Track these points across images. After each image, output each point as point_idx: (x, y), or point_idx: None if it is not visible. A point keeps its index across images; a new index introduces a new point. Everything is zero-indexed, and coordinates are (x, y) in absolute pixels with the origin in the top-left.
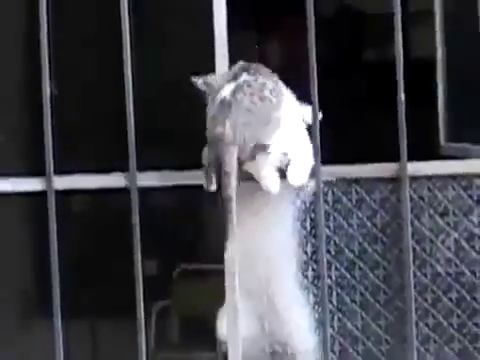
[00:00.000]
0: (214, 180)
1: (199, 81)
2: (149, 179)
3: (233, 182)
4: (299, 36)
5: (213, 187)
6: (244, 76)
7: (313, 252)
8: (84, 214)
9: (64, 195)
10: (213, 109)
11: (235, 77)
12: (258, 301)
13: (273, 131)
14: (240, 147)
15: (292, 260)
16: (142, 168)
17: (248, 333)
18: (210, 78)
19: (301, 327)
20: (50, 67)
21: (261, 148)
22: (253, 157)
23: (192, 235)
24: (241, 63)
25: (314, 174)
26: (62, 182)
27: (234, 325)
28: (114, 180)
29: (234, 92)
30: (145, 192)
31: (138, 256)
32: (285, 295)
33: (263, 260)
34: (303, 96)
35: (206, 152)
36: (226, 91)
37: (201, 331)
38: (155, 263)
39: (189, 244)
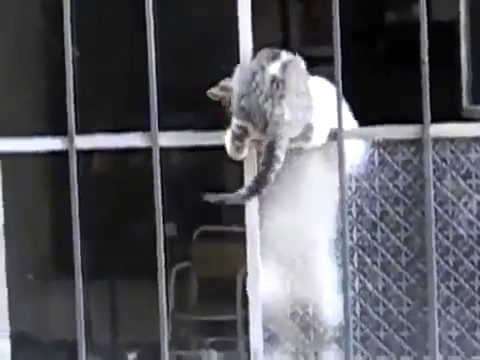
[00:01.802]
0: (245, 151)
1: (215, 91)
2: (170, 139)
3: (279, 167)
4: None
5: (242, 156)
6: (285, 55)
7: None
8: (105, 174)
9: (86, 154)
10: (262, 87)
11: (274, 57)
12: (289, 266)
13: (313, 110)
14: (293, 128)
15: (329, 228)
16: (163, 128)
17: (272, 294)
18: (225, 83)
19: (329, 292)
20: (72, 29)
21: (310, 128)
22: (308, 138)
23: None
24: (267, 50)
25: (335, 136)
26: (84, 142)
27: (255, 287)
28: (135, 139)
29: (283, 69)
30: (165, 152)
31: (160, 216)
32: (318, 261)
33: (301, 227)
34: (325, 59)
35: (236, 122)
36: (274, 68)
37: (221, 293)
38: (175, 225)
39: (208, 205)
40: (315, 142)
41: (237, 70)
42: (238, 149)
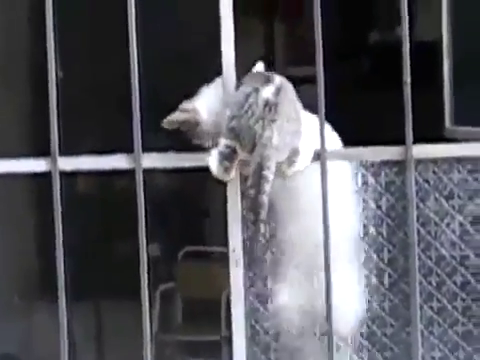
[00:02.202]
0: (232, 172)
1: (175, 116)
2: (154, 160)
3: (269, 188)
4: (305, 17)
5: (230, 177)
6: (278, 79)
7: None
8: (89, 195)
9: (69, 176)
10: (255, 109)
11: (268, 80)
12: (308, 277)
13: (301, 134)
14: (280, 152)
15: (348, 238)
16: (147, 149)
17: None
18: (185, 105)
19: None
20: (56, 48)
21: (296, 153)
22: (292, 162)
23: (196, 217)
24: (257, 71)
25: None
26: (67, 163)
27: (238, 307)
28: (119, 161)
29: (277, 93)
30: (150, 174)
31: (143, 237)
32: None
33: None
34: (308, 79)
35: (225, 141)
36: (267, 92)
37: (205, 313)
38: (159, 245)
39: (193, 226)
40: (299, 167)
41: (201, 91)
42: (226, 169)
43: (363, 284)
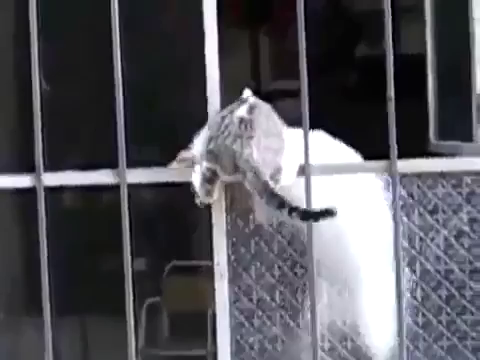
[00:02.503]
0: (215, 194)
1: (174, 166)
2: (138, 176)
3: (279, 185)
4: (289, 31)
5: (212, 199)
6: (252, 99)
7: None
8: (74, 211)
9: (53, 192)
10: (231, 128)
11: (242, 102)
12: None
13: (283, 151)
14: (263, 168)
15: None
16: (132, 165)
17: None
18: (183, 154)
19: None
20: (40, 64)
21: (279, 170)
22: (276, 180)
23: (182, 232)
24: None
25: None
26: (51, 179)
27: (224, 321)
28: (103, 176)
29: (251, 111)
30: (135, 189)
31: (127, 252)
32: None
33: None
34: (293, 93)
35: (205, 164)
36: (241, 111)
37: (191, 328)
38: (145, 260)
39: (179, 241)
40: (283, 183)
41: (198, 137)
42: (208, 192)
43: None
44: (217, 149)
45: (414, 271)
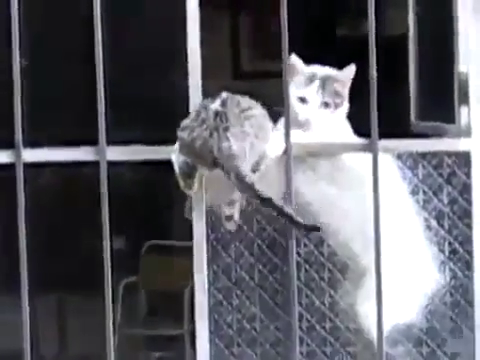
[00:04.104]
0: (196, 185)
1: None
2: (118, 153)
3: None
4: (271, 10)
5: (193, 191)
6: (224, 94)
7: None
8: (53, 187)
9: (33, 168)
10: (207, 122)
11: (215, 97)
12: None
13: (266, 140)
14: (242, 159)
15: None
16: (112, 142)
17: None
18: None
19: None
20: (20, 39)
21: (263, 157)
22: (257, 169)
23: (160, 211)
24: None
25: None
26: (31, 155)
27: (202, 301)
28: (83, 153)
29: (224, 104)
30: (114, 166)
31: (106, 230)
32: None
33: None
34: (274, 74)
35: (185, 158)
36: (215, 105)
37: (168, 307)
38: (123, 239)
39: (156, 220)
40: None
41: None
42: (189, 185)
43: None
44: (194, 143)
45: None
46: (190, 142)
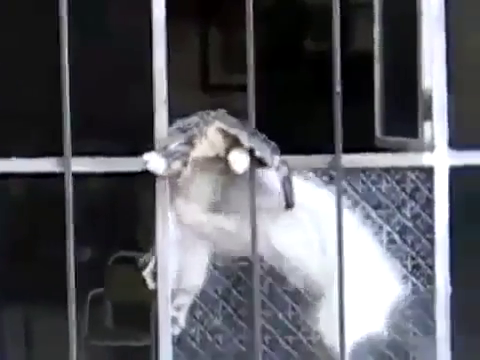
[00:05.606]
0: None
1: None
2: (84, 164)
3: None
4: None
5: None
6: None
7: None
8: (18, 198)
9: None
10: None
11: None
12: None
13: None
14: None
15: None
16: (77, 154)
17: None
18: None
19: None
20: None
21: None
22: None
23: (128, 222)
24: None
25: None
26: None
27: (165, 313)
28: (48, 164)
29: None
30: (81, 178)
31: (70, 242)
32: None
33: None
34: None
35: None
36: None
37: (135, 318)
38: (90, 250)
39: (124, 231)
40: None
41: None
42: (179, 172)
43: None
44: (186, 127)
45: None
46: (183, 125)
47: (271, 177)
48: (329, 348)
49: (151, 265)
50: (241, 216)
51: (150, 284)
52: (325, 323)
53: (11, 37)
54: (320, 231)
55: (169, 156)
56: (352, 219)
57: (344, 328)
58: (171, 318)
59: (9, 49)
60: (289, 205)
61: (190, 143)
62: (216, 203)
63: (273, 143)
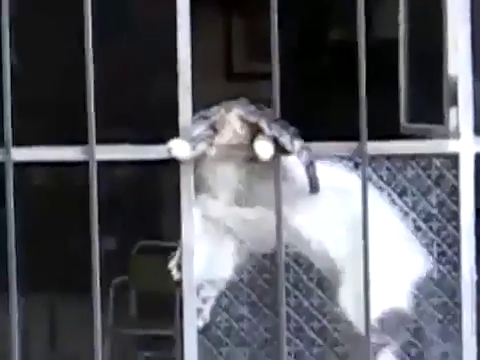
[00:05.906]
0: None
1: None
2: (108, 152)
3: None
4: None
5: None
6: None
7: None
8: (43, 187)
9: (23, 167)
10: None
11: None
12: None
13: None
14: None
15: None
16: (102, 142)
17: None
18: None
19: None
20: (10, 38)
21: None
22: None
23: (152, 211)
24: None
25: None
26: (21, 154)
27: (190, 302)
28: (72, 153)
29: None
30: (105, 166)
31: (95, 230)
32: None
33: None
34: (265, 75)
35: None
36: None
37: (159, 307)
38: (114, 238)
39: (148, 220)
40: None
41: None
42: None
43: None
44: (208, 114)
45: None
46: (204, 114)
47: (292, 163)
48: (354, 324)
49: (176, 257)
50: (266, 205)
51: (175, 275)
52: (350, 299)
53: (35, 27)
54: (348, 211)
55: (193, 141)
56: (378, 197)
57: (369, 303)
58: (197, 310)
59: (33, 39)
60: (314, 189)
61: (213, 128)
62: (242, 193)
63: (293, 128)
